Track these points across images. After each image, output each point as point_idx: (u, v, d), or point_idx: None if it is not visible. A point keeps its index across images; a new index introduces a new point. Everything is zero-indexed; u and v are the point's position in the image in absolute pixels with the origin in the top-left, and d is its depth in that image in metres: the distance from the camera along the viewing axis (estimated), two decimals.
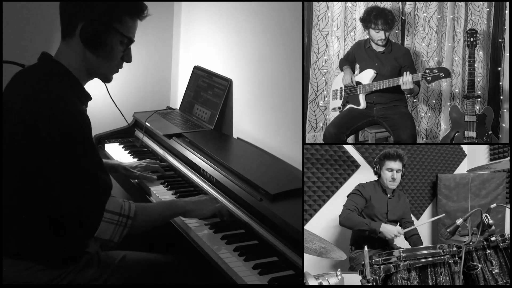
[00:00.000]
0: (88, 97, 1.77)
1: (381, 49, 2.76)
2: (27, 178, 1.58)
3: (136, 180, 2.34)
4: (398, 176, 2.48)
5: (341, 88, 2.91)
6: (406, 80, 2.56)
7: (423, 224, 2.62)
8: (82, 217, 1.58)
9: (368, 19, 2.69)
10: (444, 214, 2.95)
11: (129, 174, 2.31)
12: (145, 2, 1.76)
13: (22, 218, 1.61)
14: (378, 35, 2.70)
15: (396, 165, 2.47)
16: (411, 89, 2.59)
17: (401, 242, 2.57)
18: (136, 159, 2.59)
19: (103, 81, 1.82)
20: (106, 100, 3.11)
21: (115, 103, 2.10)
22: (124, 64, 1.81)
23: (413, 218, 2.78)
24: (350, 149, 2.90)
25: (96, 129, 2.72)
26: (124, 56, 1.76)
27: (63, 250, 1.65)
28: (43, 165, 1.55)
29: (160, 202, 1.91)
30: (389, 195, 2.52)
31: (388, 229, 2.31)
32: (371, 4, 2.95)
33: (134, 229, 1.66)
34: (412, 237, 2.53)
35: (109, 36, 1.68)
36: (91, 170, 1.60)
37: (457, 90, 3.08)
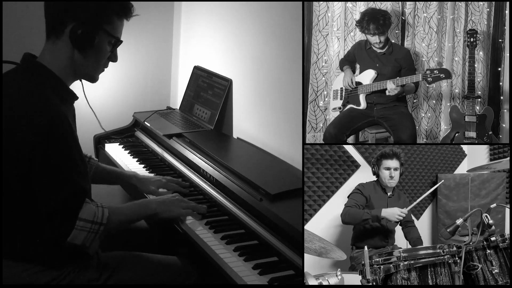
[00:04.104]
0: (73, 97, 1.76)
1: (381, 50, 2.77)
2: (10, 179, 1.57)
3: None
4: (396, 174, 2.49)
5: (341, 88, 2.91)
6: (390, 88, 2.64)
7: (425, 196, 2.53)
8: (55, 222, 1.57)
9: (361, 24, 2.70)
10: (443, 180, 2.97)
11: (143, 188, 2.18)
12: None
13: (11, 218, 1.60)
14: (373, 39, 2.71)
15: (393, 163, 2.48)
16: (398, 93, 2.66)
17: (401, 242, 2.57)
18: (136, 159, 2.60)
19: (89, 82, 1.79)
20: (105, 101, 3.14)
21: (91, 108, 2.07)
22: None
23: (413, 218, 2.78)
24: (350, 149, 2.90)
25: (96, 129, 2.73)
26: (111, 56, 1.76)
27: (60, 249, 1.65)
28: (22, 167, 1.54)
29: (131, 204, 1.85)
30: (388, 194, 2.53)
31: (390, 212, 2.30)
32: (371, 4, 2.95)
33: (106, 232, 1.67)
34: (413, 239, 2.54)
35: (99, 37, 1.68)
36: (65, 174, 1.57)
37: (457, 91, 3.07)
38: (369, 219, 2.32)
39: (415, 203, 2.43)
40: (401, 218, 2.30)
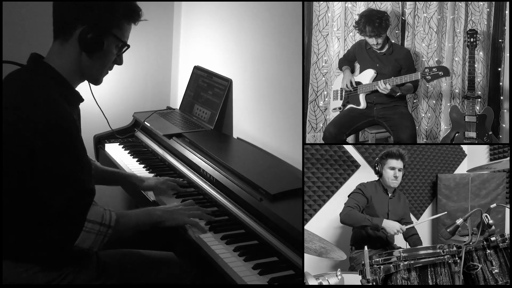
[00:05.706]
0: (79, 99, 1.75)
1: (381, 50, 2.77)
2: (14, 179, 1.56)
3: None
4: (400, 174, 2.49)
5: (341, 89, 2.91)
6: (382, 87, 2.65)
7: (423, 222, 2.61)
8: (63, 224, 1.56)
9: (358, 26, 2.70)
10: (446, 212, 2.95)
11: (142, 185, 2.18)
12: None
13: (15, 219, 1.59)
14: (371, 41, 2.71)
15: (398, 163, 2.48)
16: (391, 93, 2.66)
17: (401, 242, 2.57)
18: (136, 159, 2.60)
19: (93, 84, 1.79)
20: (105, 101, 3.13)
21: (99, 107, 2.08)
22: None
23: (413, 218, 2.78)
24: (350, 149, 2.90)
25: (96, 129, 2.73)
26: (117, 59, 1.76)
27: (60, 250, 1.64)
28: (27, 168, 1.53)
29: (138, 211, 1.85)
30: (390, 195, 2.53)
31: (391, 225, 2.30)
32: (371, 4, 2.95)
33: (113, 236, 1.65)
34: (412, 237, 2.53)
35: (107, 41, 1.68)
36: (71, 174, 1.57)
37: (457, 91, 3.08)
38: (368, 226, 2.32)
39: (415, 224, 2.49)
40: (399, 233, 2.32)
